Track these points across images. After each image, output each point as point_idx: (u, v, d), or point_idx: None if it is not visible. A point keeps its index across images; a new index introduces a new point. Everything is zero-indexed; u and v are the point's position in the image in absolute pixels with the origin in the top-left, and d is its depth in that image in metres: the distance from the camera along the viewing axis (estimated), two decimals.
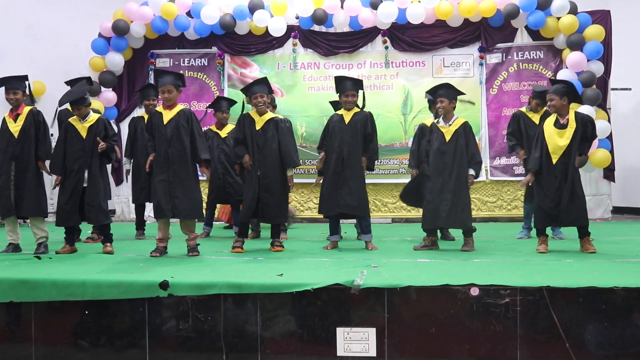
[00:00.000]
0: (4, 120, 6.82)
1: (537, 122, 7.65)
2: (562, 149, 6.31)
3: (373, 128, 7.04)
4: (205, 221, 8.53)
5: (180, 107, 6.50)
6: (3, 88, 6.83)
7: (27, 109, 6.77)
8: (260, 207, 6.70)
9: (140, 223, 8.58)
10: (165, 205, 6.27)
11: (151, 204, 9.16)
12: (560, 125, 6.36)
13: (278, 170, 6.78)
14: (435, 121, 6.90)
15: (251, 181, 6.71)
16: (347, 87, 6.97)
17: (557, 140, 6.34)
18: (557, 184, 6.31)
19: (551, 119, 6.47)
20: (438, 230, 7.67)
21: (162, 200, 6.28)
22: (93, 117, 6.69)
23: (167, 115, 6.38)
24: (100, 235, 7.68)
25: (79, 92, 6.72)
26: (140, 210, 8.65)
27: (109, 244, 6.68)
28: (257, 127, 6.76)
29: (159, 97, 6.53)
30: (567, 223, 6.46)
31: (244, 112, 6.90)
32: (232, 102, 8.53)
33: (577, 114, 6.42)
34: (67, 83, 7.97)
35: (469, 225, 6.72)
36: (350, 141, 6.88)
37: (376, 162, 7.33)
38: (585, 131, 6.39)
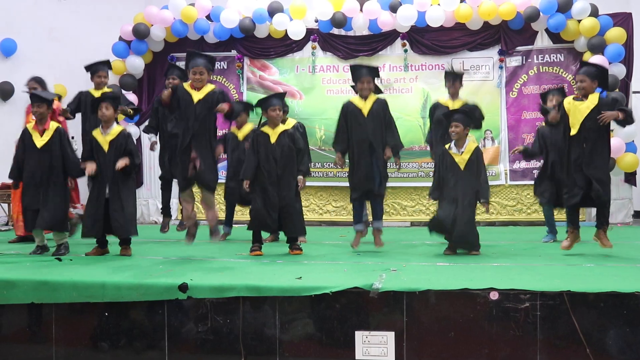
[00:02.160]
0: (26, 131, 6.82)
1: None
2: (579, 121, 6.23)
3: (390, 116, 7.01)
4: (224, 222, 8.56)
5: (210, 87, 6.50)
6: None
7: (53, 126, 6.79)
8: (283, 219, 6.69)
9: (165, 207, 8.50)
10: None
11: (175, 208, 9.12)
12: (580, 100, 6.30)
13: (294, 183, 6.80)
14: (447, 147, 6.82)
15: (264, 193, 6.67)
16: (363, 73, 6.93)
17: (576, 112, 6.26)
18: (575, 157, 6.26)
19: (571, 97, 6.43)
20: None
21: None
22: (116, 130, 6.69)
23: (196, 96, 6.40)
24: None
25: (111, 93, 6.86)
26: (166, 192, 8.52)
27: (127, 247, 6.71)
28: (272, 141, 6.75)
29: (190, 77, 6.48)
30: (587, 202, 6.39)
31: (255, 129, 6.97)
32: (247, 105, 8.51)
33: (601, 96, 6.33)
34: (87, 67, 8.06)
35: (477, 247, 6.70)
36: (374, 131, 6.85)
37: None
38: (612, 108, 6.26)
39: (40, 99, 6.73)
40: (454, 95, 7.59)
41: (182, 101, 6.40)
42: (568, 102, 6.41)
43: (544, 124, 8.00)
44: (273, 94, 7.31)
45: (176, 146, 6.54)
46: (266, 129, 6.83)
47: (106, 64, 8.28)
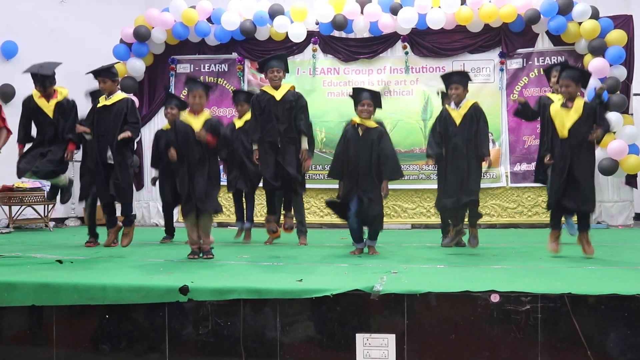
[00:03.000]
0: (32, 100, 6.98)
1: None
2: (566, 128, 6.28)
3: (386, 144, 6.93)
4: (236, 218, 8.65)
5: (207, 115, 6.54)
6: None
7: (63, 93, 6.97)
8: (280, 176, 6.66)
9: (169, 228, 8.62)
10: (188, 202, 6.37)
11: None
12: (566, 107, 6.33)
13: (296, 140, 6.76)
14: (447, 105, 6.89)
15: (270, 152, 6.64)
16: (364, 96, 6.89)
17: (563, 119, 6.31)
18: (563, 164, 6.29)
19: (557, 103, 6.45)
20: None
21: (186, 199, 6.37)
22: (119, 95, 6.75)
23: (197, 122, 6.43)
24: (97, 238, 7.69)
25: (107, 65, 6.90)
26: (168, 215, 8.68)
27: (129, 227, 6.76)
28: (277, 99, 6.72)
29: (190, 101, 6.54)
30: (571, 207, 6.40)
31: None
32: (249, 95, 8.54)
33: (585, 102, 6.37)
34: (90, 94, 8.09)
35: (476, 199, 6.74)
36: (365, 155, 6.81)
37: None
38: (594, 118, 6.31)
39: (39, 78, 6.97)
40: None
41: (181, 134, 6.41)
42: (554, 109, 6.43)
43: (548, 94, 7.93)
44: (272, 55, 7.24)
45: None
46: (269, 89, 6.80)
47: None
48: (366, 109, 6.87)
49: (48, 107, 7.12)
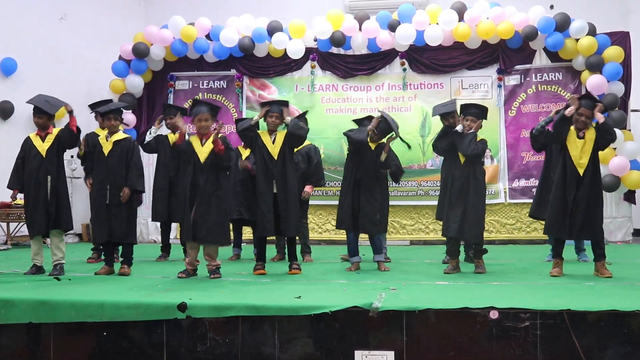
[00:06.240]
0: (28, 140, 6.83)
1: None
2: (586, 163, 6.20)
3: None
4: (233, 243, 8.56)
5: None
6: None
7: (57, 130, 6.81)
8: (279, 222, 6.64)
9: (165, 246, 8.58)
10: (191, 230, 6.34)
11: (175, 225, 9.18)
12: (582, 139, 6.26)
13: (294, 183, 6.76)
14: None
15: (265, 196, 6.65)
16: (364, 123, 7.20)
17: (580, 152, 6.21)
18: (576, 191, 6.21)
19: (573, 133, 6.31)
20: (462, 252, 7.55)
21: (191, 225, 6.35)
22: (119, 135, 6.69)
23: (203, 155, 6.41)
24: (101, 255, 7.59)
25: (118, 104, 6.78)
26: (165, 232, 8.64)
27: (126, 266, 6.64)
28: (267, 144, 6.74)
29: (195, 124, 6.55)
30: (579, 234, 6.37)
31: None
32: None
33: (596, 125, 6.31)
34: (91, 105, 8.05)
35: (480, 239, 6.69)
36: (373, 164, 7.02)
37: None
38: (602, 140, 6.27)
39: (41, 110, 6.76)
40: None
41: (189, 155, 6.45)
42: (573, 139, 6.30)
43: None
44: (273, 100, 7.27)
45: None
46: (264, 134, 6.80)
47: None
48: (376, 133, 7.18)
49: (42, 147, 6.73)
